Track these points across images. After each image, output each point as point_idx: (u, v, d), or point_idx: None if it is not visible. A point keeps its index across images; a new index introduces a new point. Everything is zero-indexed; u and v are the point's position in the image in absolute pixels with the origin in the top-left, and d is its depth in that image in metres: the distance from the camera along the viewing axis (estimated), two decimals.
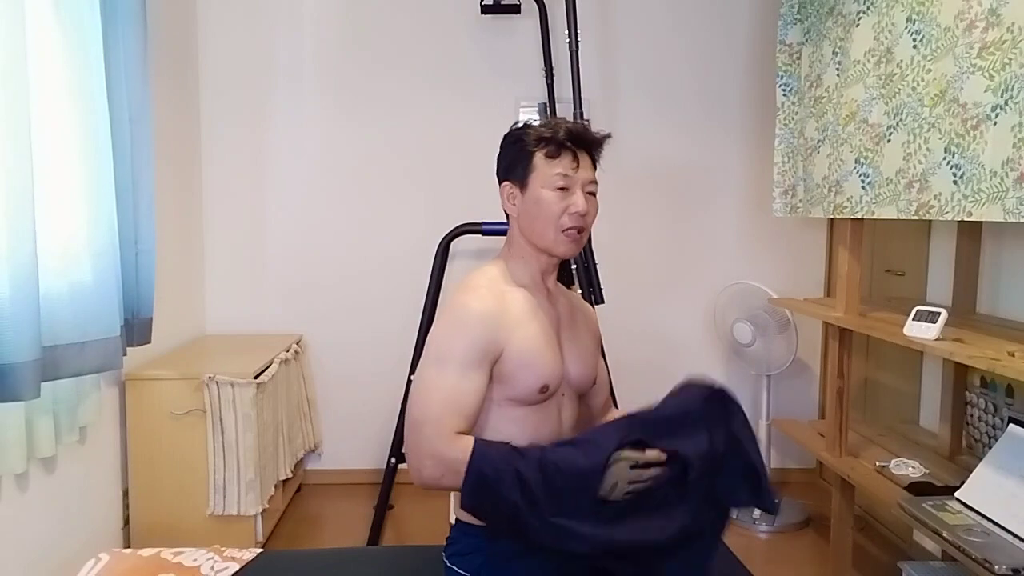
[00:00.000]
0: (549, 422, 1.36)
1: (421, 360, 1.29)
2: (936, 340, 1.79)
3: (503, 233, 2.74)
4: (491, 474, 1.16)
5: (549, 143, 1.36)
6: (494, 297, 1.31)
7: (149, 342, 2.35)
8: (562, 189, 1.34)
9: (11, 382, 1.66)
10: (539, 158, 1.36)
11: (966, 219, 1.67)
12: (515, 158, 1.39)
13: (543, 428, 1.34)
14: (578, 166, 1.36)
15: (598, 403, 1.57)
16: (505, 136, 1.44)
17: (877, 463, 2.18)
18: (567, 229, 1.34)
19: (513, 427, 1.30)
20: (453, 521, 1.42)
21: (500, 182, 1.43)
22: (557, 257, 1.40)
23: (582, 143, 1.38)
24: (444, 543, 1.45)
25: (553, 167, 1.35)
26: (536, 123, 1.42)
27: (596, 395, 1.55)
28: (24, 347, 1.67)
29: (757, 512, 2.92)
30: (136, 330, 2.28)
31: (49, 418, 1.92)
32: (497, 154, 1.45)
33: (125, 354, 2.16)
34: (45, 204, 1.86)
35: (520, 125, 1.44)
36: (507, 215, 1.44)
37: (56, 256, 1.91)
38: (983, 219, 1.60)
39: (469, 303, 1.28)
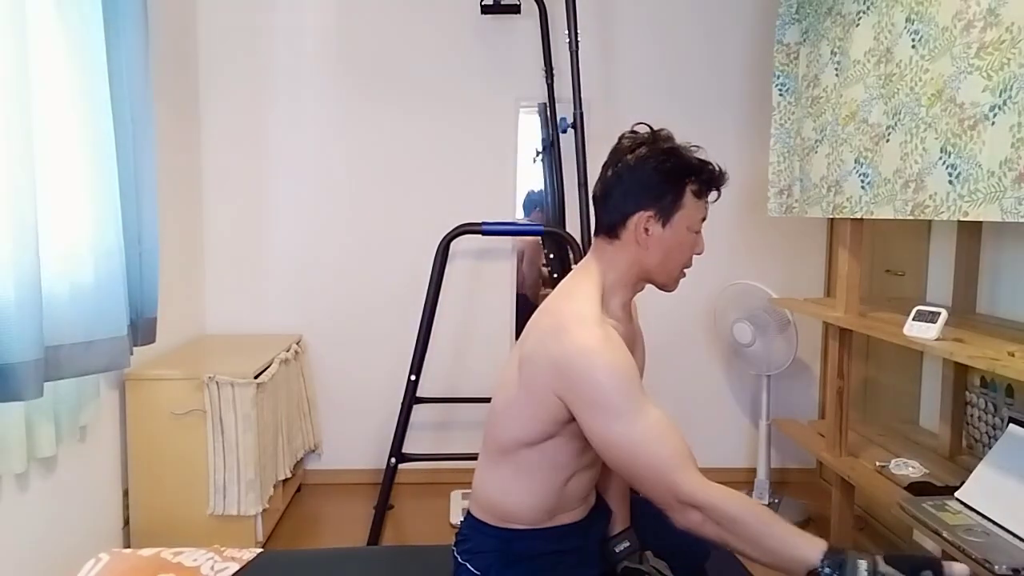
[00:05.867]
0: (581, 449, 1.32)
1: (593, 415, 1.16)
2: (936, 340, 1.79)
3: (503, 233, 2.78)
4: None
5: (706, 182, 1.27)
6: (613, 339, 1.20)
7: (154, 342, 2.35)
8: (697, 232, 1.30)
9: (14, 381, 1.66)
10: (689, 195, 1.26)
11: (962, 219, 1.67)
12: (665, 188, 1.25)
13: (593, 454, 1.28)
14: None
15: None
16: (649, 151, 1.26)
17: (877, 463, 2.18)
18: (685, 269, 1.32)
19: (572, 458, 1.28)
20: (455, 521, 1.43)
21: (636, 207, 1.25)
22: (664, 291, 1.35)
23: (723, 183, 1.30)
24: (450, 540, 1.45)
25: (699, 210, 1.28)
26: (679, 148, 1.28)
27: None
28: (27, 347, 1.68)
29: None
30: (141, 330, 2.29)
31: (49, 418, 1.93)
32: (628, 164, 1.26)
33: (132, 353, 2.17)
34: (49, 204, 1.87)
35: (664, 142, 1.28)
36: (604, 232, 1.30)
37: (61, 256, 1.91)
38: (980, 219, 1.60)
39: (611, 348, 1.17)
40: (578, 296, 1.26)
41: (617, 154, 1.30)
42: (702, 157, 1.28)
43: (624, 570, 1.39)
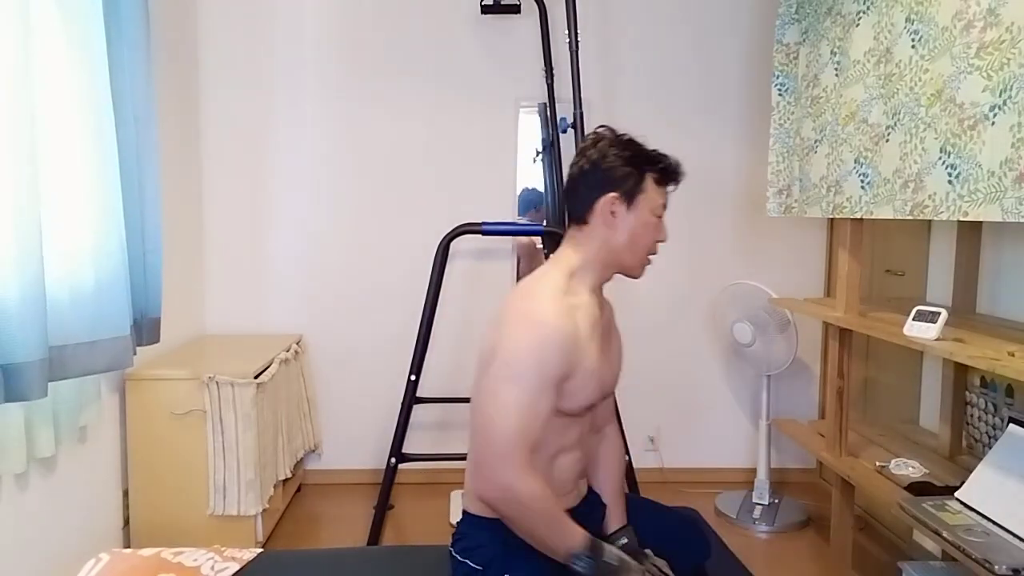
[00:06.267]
0: (581, 428, 1.41)
1: (496, 367, 1.26)
2: (936, 340, 1.79)
3: (503, 233, 2.78)
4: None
5: (663, 170, 1.39)
6: (568, 315, 1.29)
7: (158, 341, 2.35)
8: (659, 217, 1.40)
9: (19, 381, 1.66)
10: (649, 181, 1.38)
11: (962, 219, 1.67)
12: (627, 172, 1.37)
13: (574, 434, 1.38)
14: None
15: (609, 404, 1.58)
16: (610, 144, 1.40)
17: (877, 463, 2.18)
18: (650, 255, 1.42)
19: (553, 436, 1.33)
20: (454, 522, 1.44)
21: (601, 191, 1.36)
22: (631, 278, 1.44)
23: (681, 176, 1.43)
24: (449, 540, 1.46)
25: (659, 195, 1.40)
26: (635, 141, 1.42)
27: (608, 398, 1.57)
28: (32, 346, 1.68)
29: (757, 512, 2.92)
30: (145, 330, 2.29)
31: (49, 418, 1.92)
32: (591, 158, 1.39)
33: (135, 353, 2.17)
34: (53, 204, 1.87)
35: (624, 137, 1.42)
36: (574, 222, 1.41)
37: (65, 256, 1.91)
38: (980, 219, 1.60)
39: (551, 321, 1.26)
40: (542, 281, 1.36)
41: (582, 151, 1.41)
42: (659, 152, 1.42)
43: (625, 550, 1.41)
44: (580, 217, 1.39)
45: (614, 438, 1.61)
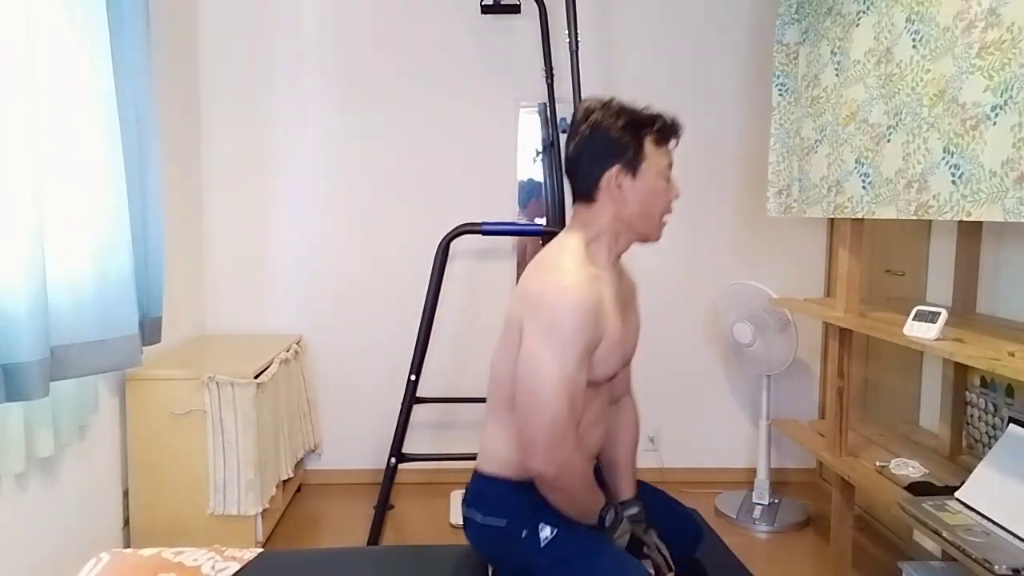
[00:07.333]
0: (602, 400, 1.43)
1: (533, 343, 1.25)
2: (936, 340, 1.79)
3: (503, 233, 2.78)
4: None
5: (660, 130, 1.36)
6: (594, 284, 1.30)
7: (159, 341, 2.35)
8: (667, 180, 1.38)
9: (20, 381, 1.66)
10: (649, 145, 1.35)
11: (965, 219, 1.66)
12: (624, 142, 1.34)
13: (598, 406, 1.41)
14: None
15: (627, 373, 1.61)
16: (601, 114, 1.35)
17: (877, 463, 2.18)
18: (665, 216, 1.40)
19: (587, 404, 1.35)
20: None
21: (603, 166, 1.34)
22: (650, 242, 1.43)
23: (679, 131, 1.40)
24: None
25: (663, 157, 1.38)
26: (628, 107, 1.37)
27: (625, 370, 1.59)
28: (33, 346, 1.68)
29: (757, 512, 2.92)
30: (147, 329, 2.28)
31: (49, 418, 1.92)
32: (585, 134, 1.35)
33: (142, 352, 2.16)
34: (55, 204, 1.87)
35: (613, 104, 1.37)
36: (581, 200, 1.39)
37: (67, 256, 1.91)
38: (982, 219, 1.60)
39: (582, 290, 1.26)
40: (562, 251, 1.35)
41: (575, 127, 1.38)
42: (653, 111, 1.37)
43: (632, 541, 1.42)
44: (586, 195, 1.38)
45: (630, 408, 1.63)
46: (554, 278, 1.29)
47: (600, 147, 1.34)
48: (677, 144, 1.41)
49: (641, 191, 1.35)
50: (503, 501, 1.38)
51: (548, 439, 1.23)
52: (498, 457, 1.40)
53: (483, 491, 1.42)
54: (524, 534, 1.34)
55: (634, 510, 1.49)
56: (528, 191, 3.25)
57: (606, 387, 1.43)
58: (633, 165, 1.34)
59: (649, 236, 1.41)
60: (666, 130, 1.37)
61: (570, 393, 1.23)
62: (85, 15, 1.92)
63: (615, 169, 1.33)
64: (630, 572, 1.28)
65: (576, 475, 1.26)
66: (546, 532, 1.33)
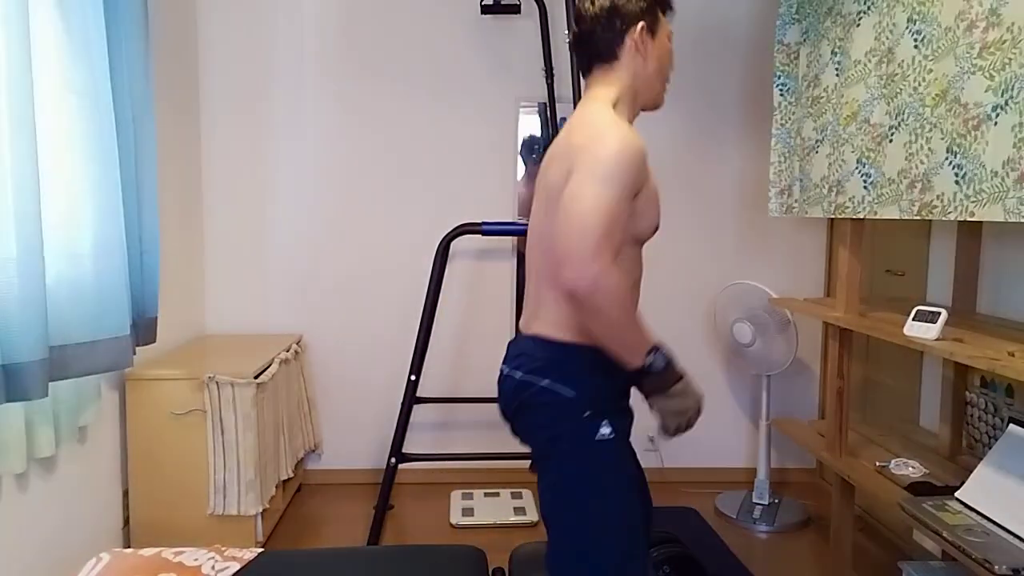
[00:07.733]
0: (641, 262, 1.46)
1: (583, 173, 1.27)
2: (936, 340, 1.79)
3: (503, 233, 2.78)
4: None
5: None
6: (636, 132, 1.33)
7: (154, 341, 2.35)
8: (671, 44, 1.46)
9: (20, 381, 1.66)
10: (658, 11, 1.43)
11: (968, 219, 1.67)
12: (643, 6, 1.40)
13: (639, 271, 1.45)
14: None
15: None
16: None
17: (877, 463, 2.19)
18: (666, 83, 1.48)
19: (627, 263, 1.37)
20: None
21: (626, 25, 1.40)
22: (654, 110, 1.50)
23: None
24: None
25: (668, 23, 1.46)
26: None
27: None
28: (33, 346, 1.68)
29: (757, 512, 2.92)
30: (142, 330, 2.29)
31: (49, 418, 1.92)
32: (603, 4, 1.41)
33: (135, 353, 2.16)
34: (53, 204, 1.87)
35: None
36: (600, 62, 1.43)
37: (65, 256, 1.91)
38: (985, 219, 1.60)
39: (628, 132, 1.30)
40: (598, 110, 1.37)
41: (583, 2, 1.44)
42: None
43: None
44: (610, 54, 1.42)
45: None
46: (600, 128, 1.32)
47: (620, 13, 1.40)
48: (674, 13, 1.50)
49: (659, 50, 1.43)
50: (566, 361, 1.36)
51: (583, 249, 1.22)
52: (554, 318, 1.38)
53: (537, 354, 1.38)
54: (587, 415, 1.33)
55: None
56: (529, 148, 3.22)
57: (644, 246, 1.45)
58: (652, 25, 1.41)
59: (658, 99, 1.48)
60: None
61: (609, 215, 1.23)
62: (81, 17, 1.91)
63: (640, 26, 1.40)
64: (638, 551, 1.30)
65: (613, 293, 1.23)
66: (607, 430, 1.34)
